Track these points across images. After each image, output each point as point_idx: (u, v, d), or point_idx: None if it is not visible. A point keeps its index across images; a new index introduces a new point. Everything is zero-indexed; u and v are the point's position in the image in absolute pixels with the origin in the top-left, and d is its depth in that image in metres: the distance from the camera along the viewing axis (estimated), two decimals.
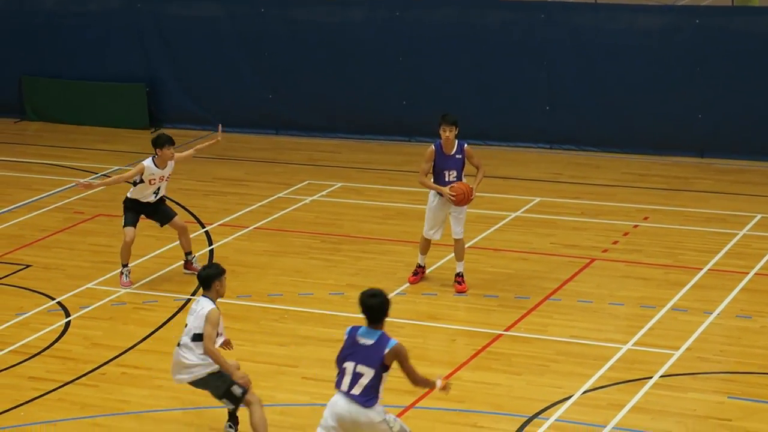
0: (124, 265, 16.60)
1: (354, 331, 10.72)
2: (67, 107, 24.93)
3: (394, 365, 10.54)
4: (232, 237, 18.19)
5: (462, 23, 22.38)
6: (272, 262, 17.21)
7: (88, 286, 16.44)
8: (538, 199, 19.55)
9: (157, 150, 16.30)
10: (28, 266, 17.22)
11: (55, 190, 20.62)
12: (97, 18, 24.84)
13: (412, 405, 12.96)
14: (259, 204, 19.63)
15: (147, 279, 16.60)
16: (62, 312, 15.64)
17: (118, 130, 24.24)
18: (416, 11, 22.85)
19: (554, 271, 16.66)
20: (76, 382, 13.81)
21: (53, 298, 16.10)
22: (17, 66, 25.18)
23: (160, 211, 16.74)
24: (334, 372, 12.54)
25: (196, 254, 16.93)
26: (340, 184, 20.43)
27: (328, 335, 14.72)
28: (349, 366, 10.70)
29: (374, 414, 10.57)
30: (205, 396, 13.22)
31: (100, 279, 16.67)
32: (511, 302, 15.59)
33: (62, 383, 13.76)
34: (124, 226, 16.51)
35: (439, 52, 22.58)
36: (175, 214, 16.85)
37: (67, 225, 19.02)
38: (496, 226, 18.41)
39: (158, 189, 16.52)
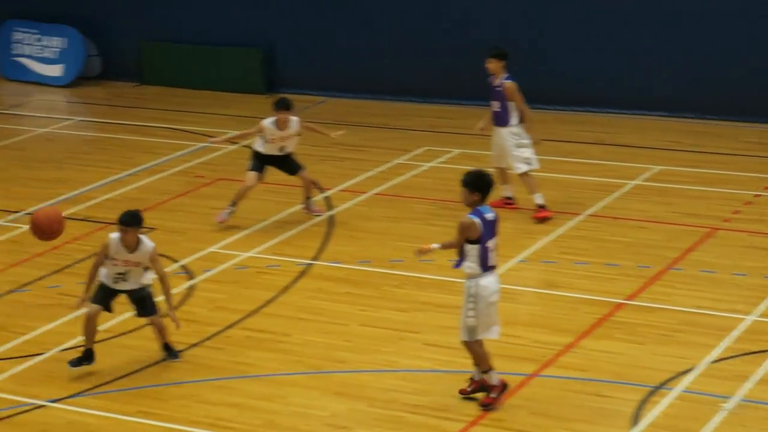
0: (232, 204, 17.18)
1: (481, 213, 11.99)
2: (185, 72, 25.15)
3: None
4: (352, 203, 18.26)
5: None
6: (392, 228, 17.27)
7: (211, 249, 16.60)
8: (657, 168, 19.39)
9: (274, 113, 16.84)
10: (152, 229, 17.35)
11: (176, 154, 20.83)
12: None
13: (536, 374, 12.97)
14: (377, 170, 19.68)
15: (269, 243, 16.69)
16: (186, 275, 15.82)
17: (234, 95, 24.38)
18: None
19: (674, 240, 16.54)
20: (202, 344, 13.98)
21: (177, 261, 16.27)
22: (136, 32, 25.42)
23: (287, 163, 17.36)
24: (455, 338, 12.66)
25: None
26: (458, 151, 20.42)
27: (448, 301, 14.73)
28: (491, 244, 12.04)
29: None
30: (328, 360, 13.42)
31: (223, 243, 16.81)
32: (633, 271, 15.51)
33: (188, 345, 13.93)
34: (247, 170, 17.07)
35: (554, 23, 22.43)
36: (303, 168, 17.29)
37: (188, 189, 19.21)
38: (615, 194, 18.32)
39: (282, 147, 17.05)
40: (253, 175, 17.16)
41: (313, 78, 24.23)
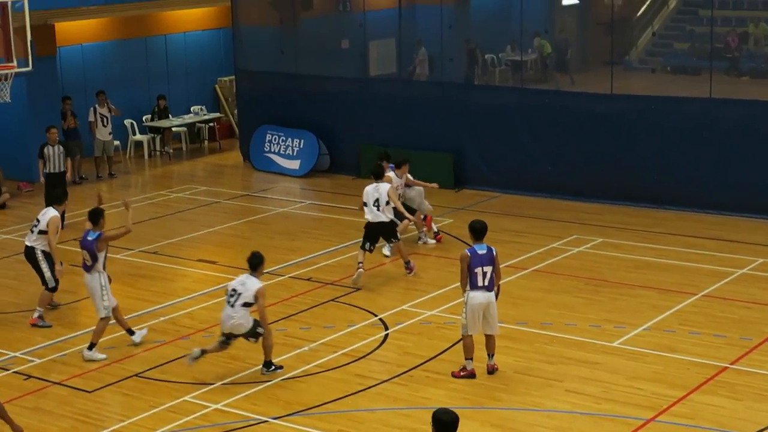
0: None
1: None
2: None
3: None
4: (515, 276, 18.16)
5: (704, 118, 21.86)
6: (545, 298, 17.13)
7: (403, 307, 16.68)
8: (760, 260, 18.86)
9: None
10: (357, 289, 17.58)
11: None
12: (419, 101, 25.27)
13: (652, 419, 12.72)
14: (536, 251, 19.54)
15: (448, 305, 16.67)
16: (382, 326, 15.93)
17: (428, 189, 24.46)
18: (666, 105, 22.46)
19: None
20: (391, 380, 14.05)
21: (376, 315, 16.42)
22: (356, 136, 25.84)
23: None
24: (594, 388, 12.51)
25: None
26: (601, 240, 20.18)
27: (587, 358, 14.58)
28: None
29: None
30: (488, 398, 13.35)
31: (412, 302, 16.89)
32: (737, 341, 15.08)
33: (380, 381, 14.01)
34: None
35: (683, 138, 22.08)
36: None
37: (392, 258, 19.30)
38: (726, 280, 17.83)
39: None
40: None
41: (490, 177, 24.24)
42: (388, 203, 18.09)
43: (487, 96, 25.03)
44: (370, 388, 13.80)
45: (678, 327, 15.70)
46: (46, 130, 22.04)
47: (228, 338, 14.24)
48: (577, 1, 30.57)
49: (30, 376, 14.45)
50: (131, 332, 15.47)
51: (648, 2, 32.22)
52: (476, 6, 30.58)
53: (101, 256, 15.07)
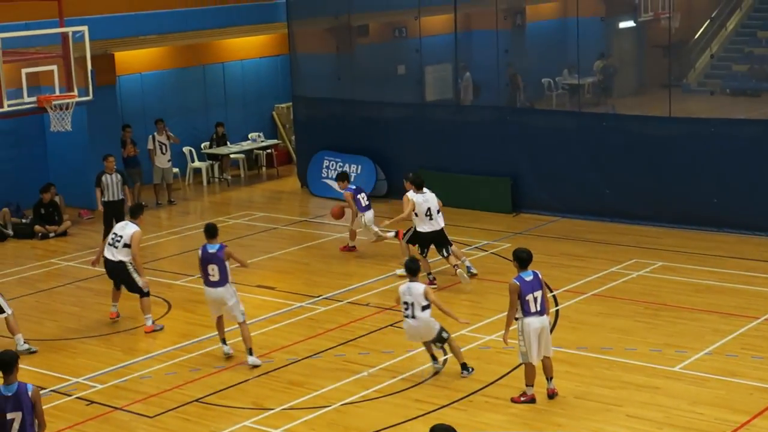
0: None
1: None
2: (450, 193, 25.31)
3: None
4: (574, 300, 18.08)
5: (763, 140, 21.67)
6: (604, 322, 17.03)
7: (462, 332, 16.57)
8: None
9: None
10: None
11: (440, 257, 20.79)
12: (475, 126, 25.28)
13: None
14: (596, 276, 19.44)
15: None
16: (441, 351, 15.81)
17: (485, 213, 24.46)
18: (725, 127, 22.30)
19: None
20: (450, 405, 14.03)
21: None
22: (414, 162, 25.84)
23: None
24: (655, 413, 12.41)
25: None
26: (660, 263, 20.02)
27: (647, 383, 14.47)
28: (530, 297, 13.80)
29: None
30: (548, 423, 13.29)
31: (471, 327, 16.83)
32: None
33: (439, 406, 14.00)
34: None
35: (743, 160, 21.88)
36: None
37: (447, 284, 19.24)
38: None
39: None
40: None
41: (548, 201, 24.18)
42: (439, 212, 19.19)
43: (545, 120, 24.98)
44: (429, 413, 13.77)
45: (740, 351, 15.52)
46: (104, 158, 22.32)
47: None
48: (634, 24, 30.48)
49: (92, 402, 14.61)
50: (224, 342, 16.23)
51: (705, 24, 32.08)
52: (532, 30, 30.61)
53: (227, 264, 15.63)
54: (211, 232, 15.80)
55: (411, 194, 19.08)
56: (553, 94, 28.96)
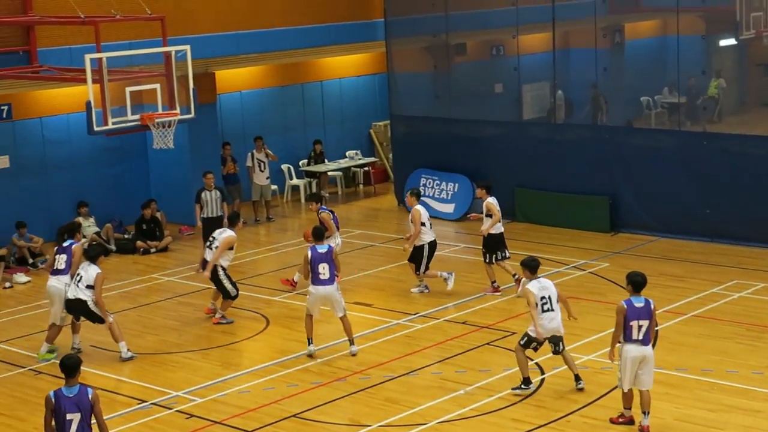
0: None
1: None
2: (546, 212, 25.30)
3: None
4: (673, 321, 17.84)
5: None
6: (705, 343, 16.78)
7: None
8: None
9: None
10: (513, 333, 17.47)
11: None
12: (573, 144, 25.14)
13: None
14: (696, 296, 19.17)
15: (605, 350, 16.44)
16: (538, 370, 15.77)
17: (583, 233, 24.25)
18: None
19: None
20: (547, 425, 13.94)
21: (532, 359, 16.11)
22: (511, 180, 25.81)
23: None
24: None
25: None
26: (762, 285, 19.66)
27: (749, 406, 14.24)
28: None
29: None
30: None
31: (569, 347, 16.36)
32: None
33: (537, 425, 13.91)
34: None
35: None
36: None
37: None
38: None
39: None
40: None
41: (647, 221, 23.91)
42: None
43: (644, 139, 24.73)
44: None
45: None
46: (203, 175, 22.65)
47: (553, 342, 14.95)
48: (735, 42, 30.05)
49: (192, 415, 14.79)
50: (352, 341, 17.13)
51: None
52: (631, 48, 30.32)
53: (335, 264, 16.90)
54: (319, 235, 17.22)
55: (418, 207, 19.91)
56: (652, 112, 28.65)
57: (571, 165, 24.98)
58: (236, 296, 18.68)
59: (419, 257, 19.92)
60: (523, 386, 14.88)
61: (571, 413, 14.23)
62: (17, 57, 23.38)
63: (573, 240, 23.65)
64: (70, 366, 11.17)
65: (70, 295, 16.95)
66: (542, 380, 15.32)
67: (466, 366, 16.13)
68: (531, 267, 15.17)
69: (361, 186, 31.05)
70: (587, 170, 24.72)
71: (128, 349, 17.15)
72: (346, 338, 16.95)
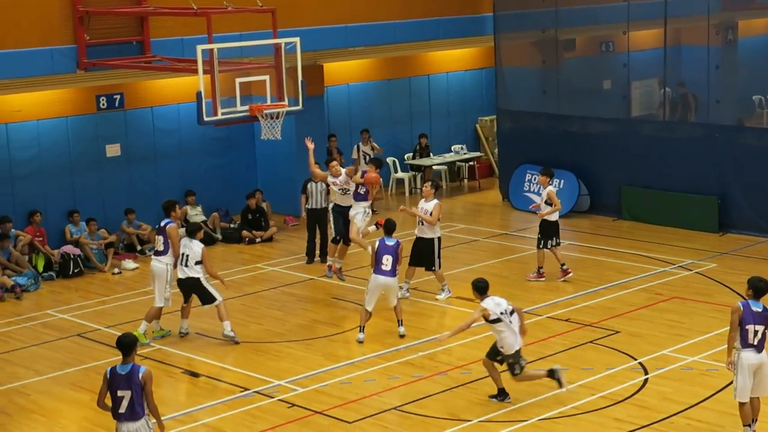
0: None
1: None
2: (653, 211, 24.95)
3: None
4: None
5: None
6: None
7: (663, 352, 16.32)
8: None
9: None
10: (617, 332, 17.32)
11: (641, 275, 20.59)
12: (682, 142, 24.75)
13: None
14: None
15: (712, 351, 16.21)
16: (642, 370, 15.62)
17: (691, 232, 23.86)
18: None
19: None
20: (650, 426, 13.75)
21: (635, 359, 16.11)
22: (618, 178, 25.52)
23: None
24: None
25: None
26: None
27: None
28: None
29: None
30: None
31: (674, 347, 16.50)
32: None
33: (639, 426, 13.72)
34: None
35: None
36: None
37: (649, 303, 18.95)
38: None
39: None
40: None
41: (757, 221, 23.46)
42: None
43: (755, 138, 24.25)
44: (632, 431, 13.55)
45: None
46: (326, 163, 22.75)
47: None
48: None
49: (293, 405, 14.91)
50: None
51: None
52: (744, 45, 29.72)
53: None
54: (390, 228, 17.65)
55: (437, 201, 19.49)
56: (764, 111, 28.06)
57: (680, 163, 24.60)
58: (337, 240, 20.55)
59: (430, 253, 19.36)
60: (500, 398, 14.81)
61: (673, 414, 14.02)
62: (131, 47, 23.74)
63: (680, 239, 23.29)
64: (126, 344, 11.55)
65: (181, 275, 17.32)
66: (645, 380, 15.12)
67: (569, 364, 15.98)
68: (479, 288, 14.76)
69: (465, 180, 30.97)
70: (696, 169, 24.32)
71: (232, 329, 17.40)
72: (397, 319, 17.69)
